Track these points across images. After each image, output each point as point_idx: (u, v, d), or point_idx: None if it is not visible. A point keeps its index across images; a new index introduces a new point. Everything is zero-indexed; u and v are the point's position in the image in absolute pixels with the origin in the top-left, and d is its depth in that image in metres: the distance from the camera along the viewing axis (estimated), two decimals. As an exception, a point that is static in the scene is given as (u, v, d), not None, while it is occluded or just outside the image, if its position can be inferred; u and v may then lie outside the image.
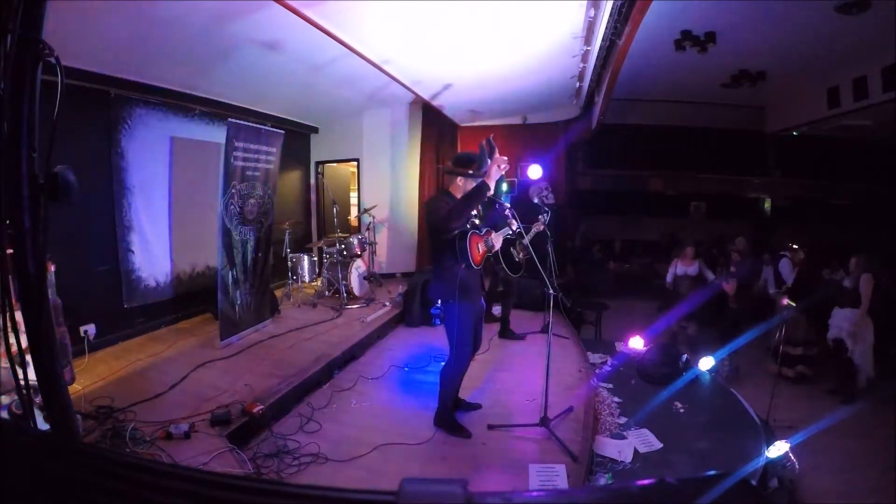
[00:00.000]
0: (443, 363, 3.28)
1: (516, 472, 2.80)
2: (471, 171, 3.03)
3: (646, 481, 0.54)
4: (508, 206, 3.30)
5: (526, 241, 3.50)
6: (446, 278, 2.97)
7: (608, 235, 10.17)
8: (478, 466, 2.88)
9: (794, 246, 6.53)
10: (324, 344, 4.52)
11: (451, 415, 3.27)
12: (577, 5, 3.92)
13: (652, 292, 8.77)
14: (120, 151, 4.46)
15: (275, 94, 5.86)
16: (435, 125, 7.46)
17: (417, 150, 7.48)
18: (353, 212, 9.03)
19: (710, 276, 6.22)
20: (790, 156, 9.44)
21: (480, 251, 3.07)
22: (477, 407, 3.53)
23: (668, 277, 6.42)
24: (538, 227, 4.04)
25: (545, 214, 4.05)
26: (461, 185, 3.06)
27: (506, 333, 5.23)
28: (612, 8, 3.85)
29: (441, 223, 2.88)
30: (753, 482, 2.51)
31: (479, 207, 3.19)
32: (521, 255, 3.37)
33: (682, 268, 6.26)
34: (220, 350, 4.26)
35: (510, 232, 3.27)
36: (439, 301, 3.17)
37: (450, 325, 3.09)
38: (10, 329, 1.12)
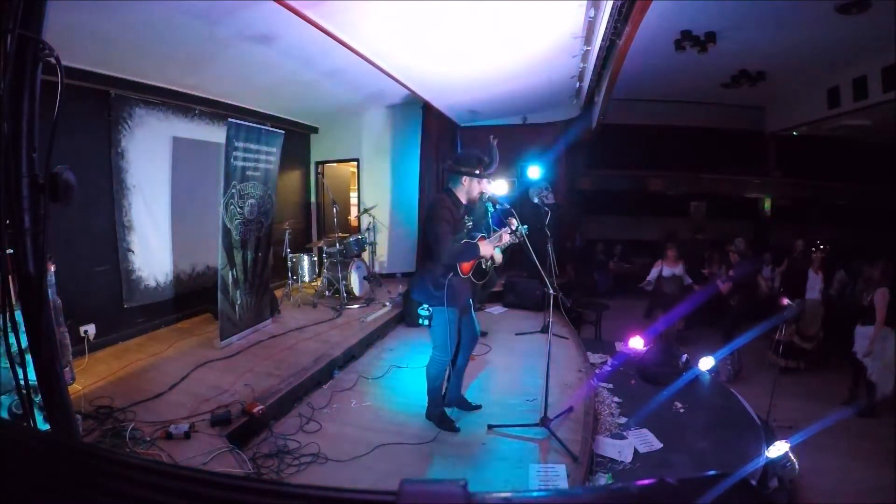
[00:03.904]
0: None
1: (516, 472, 2.80)
2: (477, 172, 3.02)
3: (646, 481, 0.54)
4: (507, 206, 3.28)
5: (499, 258, 3.39)
6: (435, 284, 2.99)
7: (608, 235, 10.17)
8: (478, 466, 2.88)
9: (798, 242, 6.55)
10: (324, 344, 4.52)
11: (441, 408, 3.30)
12: (577, 5, 3.92)
13: (652, 292, 8.78)
14: (120, 151, 4.46)
15: (274, 94, 5.86)
16: (435, 125, 7.45)
17: (417, 150, 7.48)
18: (353, 212, 9.03)
19: (688, 279, 6.37)
20: (790, 156, 9.43)
21: (471, 261, 3.07)
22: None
23: (651, 277, 6.50)
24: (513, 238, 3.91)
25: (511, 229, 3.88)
26: (466, 185, 3.05)
27: None
28: (612, 8, 3.85)
29: (432, 242, 2.94)
30: (753, 482, 2.51)
31: (472, 213, 3.18)
32: (488, 263, 3.27)
33: (668, 269, 6.33)
34: (220, 350, 4.26)
35: (502, 239, 3.23)
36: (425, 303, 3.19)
37: (436, 327, 3.13)
38: (10, 329, 1.12)
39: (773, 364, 4.34)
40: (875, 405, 4.65)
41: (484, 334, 5.13)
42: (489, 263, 3.32)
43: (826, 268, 5.78)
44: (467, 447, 3.07)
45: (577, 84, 6.47)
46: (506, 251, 3.43)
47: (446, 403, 3.47)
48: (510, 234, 3.20)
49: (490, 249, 3.09)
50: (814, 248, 5.95)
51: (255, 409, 3.11)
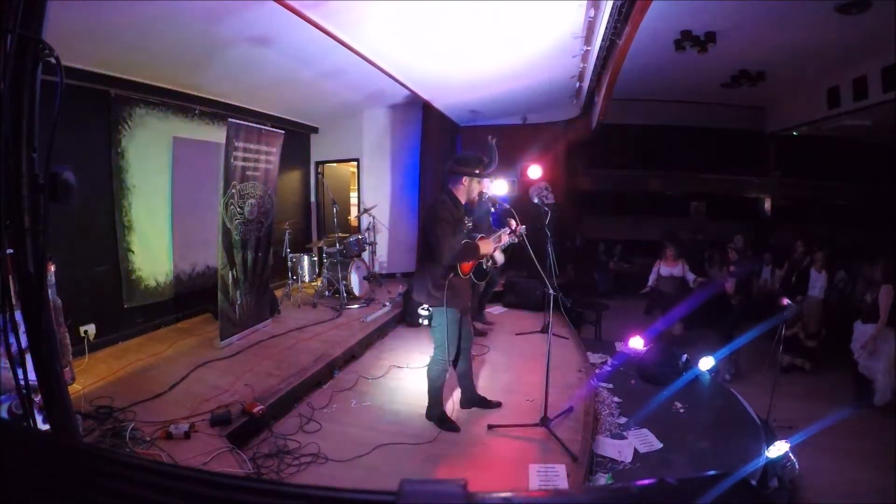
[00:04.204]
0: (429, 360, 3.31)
1: (516, 472, 2.80)
2: (477, 172, 3.03)
3: (646, 481, 0.54)
4: (507, 206, 3.29)
5: (500, 257, 3.40)
6: (435, 285, 3.00)
7: (608, 235, 10.18)
8: (478, 466, 2.88)
9: (798, 244, 6.56)
10: (324, 344, 4.52)
11: (441, 408, 3.31)
12: (577, 5, 3.92)
13: (652, 292, 8.78)
14: (120, 151, 4.46)
15: (274, 94, 5.86)
16: (435, 125, 7.45)
17: (417, 150, 7.48)
18: (353, 212, 9.03)
19: (690, 277, 6.26)
20: (790, 156, 9.44)
21: (471, 261, 3.08)
22: (498, 404, 3.55)
23: (651, 280, 6.46)
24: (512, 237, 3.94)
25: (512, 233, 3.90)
26: (466, 186, 3.06)
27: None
28: (612, 8, 3.85)
29: (433, 243, 2.94)
30: (753, 482, 2.51)
31: (473, 213, 3.19)
32: (489, 264, 3.33)
33: (666, 269, 6.30)
34: (220, 350, 4.26)
35: (501, 239, 3.24)
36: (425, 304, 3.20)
37: (436, 327, 3.13)
38: (10, 329, 1.11)
39: (777, 362, 4.32)
40: (873, 403, 4.65)
41: (484, 334, 5.14)
42: (489, 263, 3.34)
43: (829, 267, 5.81)
44: (467, 447, 3.07)
45: (577, 84, 6.48)
46: (506, 251, 3.45)
47: (467, 405, 3.50)
48: (509, 234, 3.21)
49: (490, 248, 3.10)
50: (816, 248, 5.97)
51: (255, 409, 3.11)
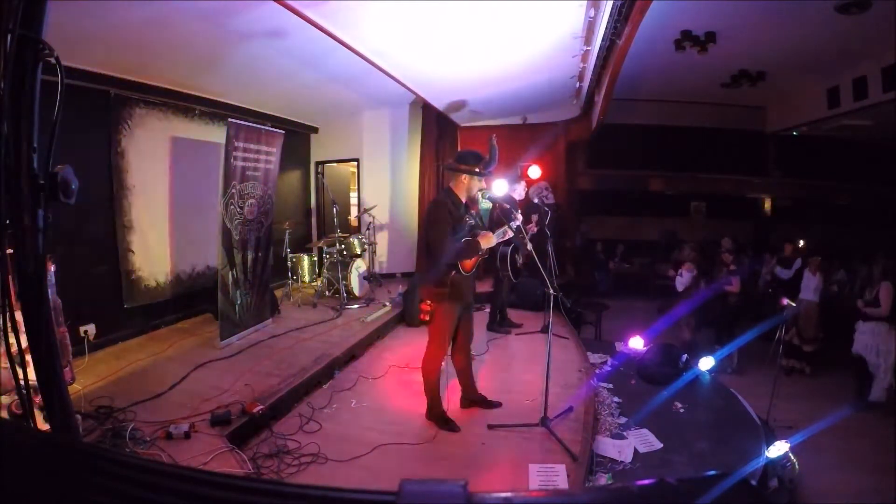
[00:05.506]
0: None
1: (516, 472, 2.80)
2: (477, 170, 3.05)
3: (646, 481, 0.54)
4: (508, 206, 3.29)
5: (529, 246, 3.49)
6: (438, 282, 3.02)
7: (608, 235, 10.19)
8: (478, 466, 2.88)
9: (800, 243, 6.54)
10: (324, 344, 4.52)
11: (441, 408, 3.31)
12: (577, 5, 3.92)
13: (652, 292, 8.78)
14: (120, 151, 4.46)
15: (274, 94, 5.86)
16: (435, 125, 7.45)
17: (417, 150, 7.48)
18: (353, 212, 9.03)
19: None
20: (790, 156, 9.45)
21: (472, 258, 3.09)
22: (498, 404, 3.54)
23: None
24: (531, 228, 4.12)
25: (535, 216, 4.14)
26: (466, 184, 3.07)
27: (493, 326, 5.37)
28: (612, 8, 3.85)
29: (432, 244, 2.98)
30: (753, 482, 2.51)
31: (476, 209, 3.21)
32: (521, 261, 3.50)
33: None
34: (220, 350, 4.26)
35: (506, 235, 3.27)
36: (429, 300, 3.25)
37: (435, 323, 3.17)
38: (10, 329, 1.11)
39: (778, 364, 4.33)
40: (869, 400, 4.67)
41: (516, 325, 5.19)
42: (521, 261, 3.44)
43: (824, 270, 5.80)
44: (467, 447, 3.07)
45: (577, 84, 6.47)
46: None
47: (467, 405, 3.50)
48: (513, 230, 3.22)
49: (492, 242, 3.13)
50: (805, 248, 5.98)
51: (255, 409, 3.11)
